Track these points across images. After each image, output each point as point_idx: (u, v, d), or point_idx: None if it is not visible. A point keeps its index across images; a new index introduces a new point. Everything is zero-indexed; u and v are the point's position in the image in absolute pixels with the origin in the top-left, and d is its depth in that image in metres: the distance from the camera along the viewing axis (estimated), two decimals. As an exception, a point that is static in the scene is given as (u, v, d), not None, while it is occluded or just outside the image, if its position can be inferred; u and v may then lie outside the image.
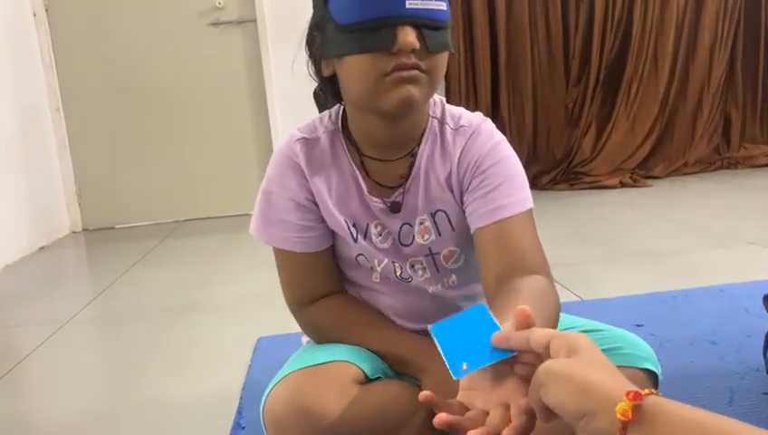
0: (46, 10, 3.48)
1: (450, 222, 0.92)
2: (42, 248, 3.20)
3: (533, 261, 0.83)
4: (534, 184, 3.68)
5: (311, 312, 0.94)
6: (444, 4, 0.81)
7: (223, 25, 3.59)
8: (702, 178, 3.77)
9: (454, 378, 0.58)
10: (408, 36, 0.77)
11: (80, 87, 3.58)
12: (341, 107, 0.94)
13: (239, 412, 1.24)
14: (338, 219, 0.91)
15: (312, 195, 0.91)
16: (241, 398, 1.31)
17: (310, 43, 0.88)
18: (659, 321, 1.54)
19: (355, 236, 0.92)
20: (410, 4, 0.77)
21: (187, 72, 3.61)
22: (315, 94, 0.97)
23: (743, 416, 1.06)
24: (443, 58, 0.83)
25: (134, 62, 3.59)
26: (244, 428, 1.18)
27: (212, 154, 3.69)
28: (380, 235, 0.92)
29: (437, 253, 0.93)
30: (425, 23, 0.79)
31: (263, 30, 3.57)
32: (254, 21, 3.57)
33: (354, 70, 0.81)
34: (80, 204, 3.66)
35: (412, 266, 0.93)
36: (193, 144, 3.68)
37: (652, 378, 0.89)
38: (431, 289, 0.95)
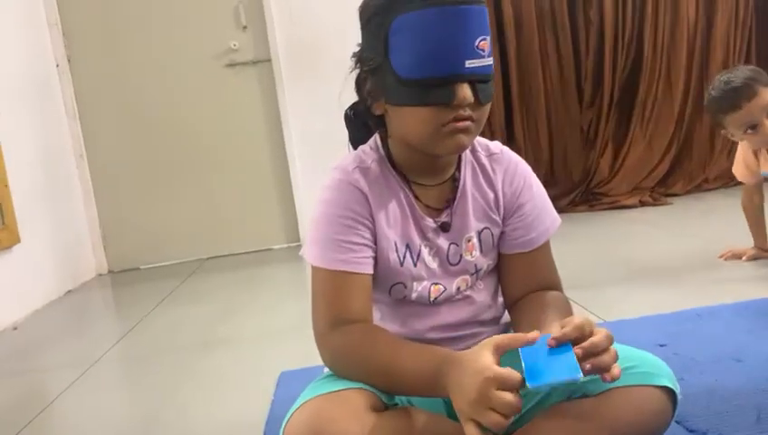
0: (68, 60, 3.60)
1: (492, 238, 1.02)
2: (69, 292, 3.26)
3: (553, 278, 1.03)
4: (553, 206, 3.64)
5: (343, 331, 0.92)
6: (492, 59, 0.90)
7: (239, 66, 3.67)
8: (723, 193, 3.73)
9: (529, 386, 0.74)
10: (466, 92, 0.87)
11: (102, 133, 3.67)
12: (380, 137, 1.01)
13: (263, 447, 1.25)
14: (391, 242, 0.97)
15: (372, 218, 0.96)
16: (264, 432, 1.32)
17: (360, 82, 0.97)
18: (683, 340, 1.52)
19: (402, 259, 0.97)
20: (469, 63, 0.86)
21: (205, 113, 3.70)
22: (346, 117, 1.06)
23: (771, 433, 1.05)
24: (489, 106, 0.93)
25: (154, 108, 3.69)
26: (268, 462, 1.19)
27: (232, 192, 3.75)
28: (430, 254, 0.99)
29: (480, 268, 1.02)
30: (478, 78, 0.88)
31: (277, 69, 3.64)
32: (269, 61, 3.65)
33: (414, 119, 0.90)
34: (105, 247, 3.73)
35: (458, 287, 1.00)
36: (213, 184, 3.75)
37: (671, 395, 0.89)
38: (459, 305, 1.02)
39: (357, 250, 0.94)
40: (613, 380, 0.78)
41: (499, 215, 1.01)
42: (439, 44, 0.85)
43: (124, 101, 3.67)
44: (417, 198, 0.99)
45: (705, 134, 3.96)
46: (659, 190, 3.81)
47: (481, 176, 1.02)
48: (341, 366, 0.92)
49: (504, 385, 0.74)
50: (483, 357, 0.77)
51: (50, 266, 3.15)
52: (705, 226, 2.96)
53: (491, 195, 1.01)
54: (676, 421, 1.10)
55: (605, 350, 0.78)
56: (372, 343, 0.90)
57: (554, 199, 4.09)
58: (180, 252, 3.75)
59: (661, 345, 1.48)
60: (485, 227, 1.01)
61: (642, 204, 3.64)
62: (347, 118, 1.06)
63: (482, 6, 0.87)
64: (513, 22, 3.82)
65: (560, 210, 3.94)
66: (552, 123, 3.91)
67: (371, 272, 0.96)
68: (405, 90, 0.88)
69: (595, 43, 3.87)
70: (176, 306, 2.70)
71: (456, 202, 1.00)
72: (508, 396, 0.73)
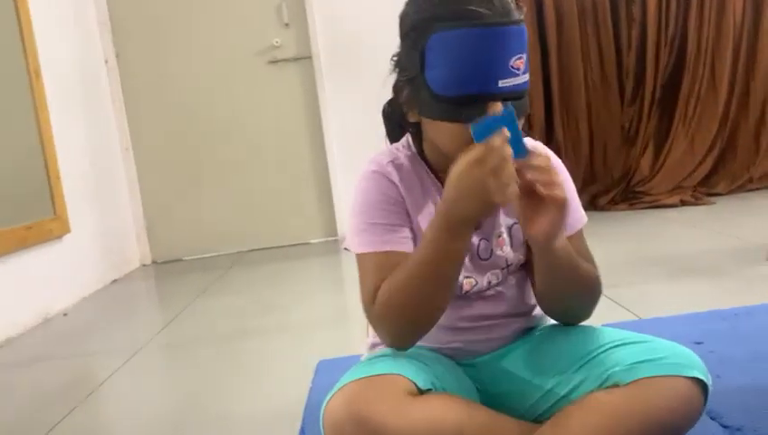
0: (117, 57, 3.72)
1: (522, 234, 1.01)
2: (114, 281, 3.37)
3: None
4: (593, 204, 3.65)
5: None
6: (527, 75, 0.89)
7: (280, 63, 3.74)
8: (768, 193, 3.66)
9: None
10: (498, 110, 0.86)
11: (147, 127, 3.79)
12: (412, 135, 1.03)
13: (302, 432, 1.29)
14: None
15: (406, 207, 0.98)
16: (303, 418, 1.35)
17: (398, 89, 0.97)
18: (720, 338, 1.51)
19: None
20: (502, 83, 0.86)
21: (247, 108, 3.78)
22: (384, 112, 1.06)
23: (806, 431, 1.04)
24: (522, 119, 0.92)
25: (198, 103, 3.78)
26: (306, 446, 1.22)
27: (273, 187, 3.83)
28: None
29: (511, 263, 1.02)
30: (511, 96, 0.88)
31: (318, 66, 3.70)
32: (310, 57, 3.71)
33: (445, 132, 0.91)
34: (149, 238, 3.84)
35: (489, 281, 1.02)
36: (254, 178, 3.83)
37: (701, 386, 0.89)
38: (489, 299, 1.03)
39: (398, 231, 0.97)
40: (549, 195, 0.83)
41: None
42: (473, 64, 0.86)
43: (169, 96, 3.78)
44: None
45: (750, 134, 3.88)
46: (701, 190, 3.75)
47: None
48: (389, 321, 0.94)
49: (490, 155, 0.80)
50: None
51: (97, 256, 3.26)
52: (748, 226, 2.91)
53: None
54: (711, 417, 1.10)
55: (543, 168, 0.84)
56: (393, 276, 0.92)
57: (594, 197, 4.04)
58: (221, 244, 3.84)
59: (697, 343, 1.47)
60: (515, 223, 1.02)
61: (683, 203, 3.58)
62: (384, 113, 1.07)
63: (520, 26, 0.87)
64: (555, 17, 3.81)
65: (599, 208, 3.91)
66: (592, 120, 3.88)
67: (412, 250, 0.97)
68: (438, 105, 0.89)
69: (637, 39, 3.83)
70: (217, 297, 2.77)
71: None
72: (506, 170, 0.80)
